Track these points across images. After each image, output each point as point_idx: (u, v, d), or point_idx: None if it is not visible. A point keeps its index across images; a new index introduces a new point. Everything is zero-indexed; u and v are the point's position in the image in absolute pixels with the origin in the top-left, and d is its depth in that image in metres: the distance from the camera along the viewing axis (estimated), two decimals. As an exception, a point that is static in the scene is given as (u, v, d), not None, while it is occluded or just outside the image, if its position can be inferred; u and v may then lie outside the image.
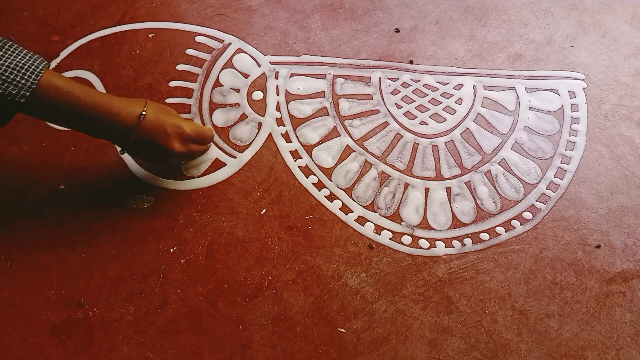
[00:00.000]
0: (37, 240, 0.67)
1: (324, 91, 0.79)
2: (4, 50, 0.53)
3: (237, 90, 0.79)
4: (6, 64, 0.52)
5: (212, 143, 0.74)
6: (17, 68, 0.53)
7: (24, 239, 0.67)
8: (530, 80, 0.81)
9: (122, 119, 0.59)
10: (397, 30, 0.80)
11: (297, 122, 0.77)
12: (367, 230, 0.69)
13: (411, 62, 0.80)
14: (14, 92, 0.52)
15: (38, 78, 0.54)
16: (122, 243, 0.67)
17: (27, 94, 0.53)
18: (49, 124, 0.74)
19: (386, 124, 0.77)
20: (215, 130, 0.76)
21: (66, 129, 0.72)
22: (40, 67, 0.54)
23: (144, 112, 0.60)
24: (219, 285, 0.65)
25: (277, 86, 0.80)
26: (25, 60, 0.54)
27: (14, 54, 0.53)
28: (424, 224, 0.70)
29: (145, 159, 0.69)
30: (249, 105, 0.78)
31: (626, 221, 0.70)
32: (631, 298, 0.65)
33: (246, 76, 0.80)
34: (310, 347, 0.61)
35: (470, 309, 0.64)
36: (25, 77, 0.53)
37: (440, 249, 0.68)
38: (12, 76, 0.52)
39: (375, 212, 0.70)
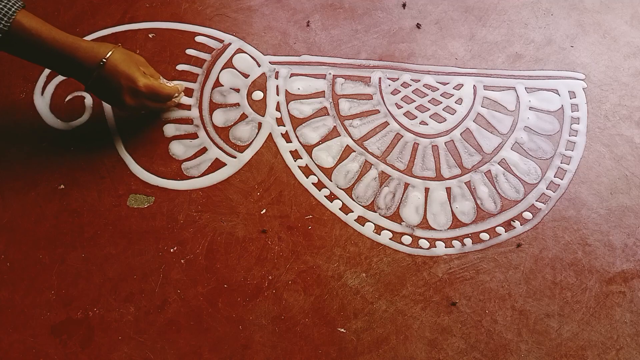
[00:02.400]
0: (37, 240, 0.67)
1: (324, 91, 0.79)
2: None
3: (237, 90, 0.79)
4: None
5: (176, 101, 0.75)
6: None
7: (24, 238, 0.67)
8: (530, 80, 0.81)
9: (86, 61, 0.63)
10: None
11: (297, 122, 0.77)
12: (367, 230, 0.69)
13: None
14: None
15: (11, 19, 0.58)
16: (122, 243, 0.67)
17: (0, 35, 0.58)
18: (50, 124, 0.75)
19: (386, 124, 0.77)
20: (216, 130, 0.76)
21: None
22: (14, 8, 0.58)
23: (104, 60, 0.63)
24: (219, 285, 0.65)
25: (277, 86, 0.80)
26: (2, 4, 0.58)
27: None
28: (424, 224, 0.70)
29: (104, 101, 0.72)
30: (249, 105, 0.78)
31: (626, 221, 0.70)
32: (631, 298, 0.65)
33: (246, 76, 0.80)
34: (310, 347, 0.61)
35: (470, 309, 0.64)
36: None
37: (440, 249, 0.68)
38: None
39: (375, 212, 0.70)
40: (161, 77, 0.73)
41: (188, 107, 0.77)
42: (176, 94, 0.74)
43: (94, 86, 0.65)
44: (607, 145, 0.76)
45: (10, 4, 0.58)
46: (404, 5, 0.82)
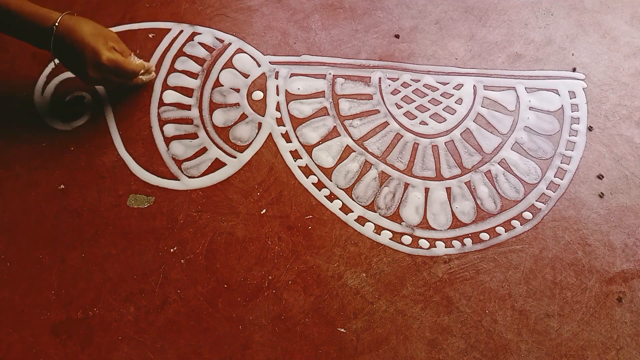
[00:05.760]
0: (37, 240, 0.67)
1: (324, 91, 0.79)
2: None
3: (237, 90, 0.79)
4: None
5: (143, 79, 0.76)
6: None
7: (24, 238, 0.67)
8: (530, 80, 0.81)
9: (42, 24, 0.63)
10: (397, 36, 0.80)
11: (297, 122, 0.77)
12: (367, 230, 0.69)
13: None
14: None
15: None
16: (122, 243, 0.67)
17: None
18: (50, 124, 0.75)
19: (386, 124, 0.77)
20: (216, 130, 0.76)
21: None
22: None
23: (56, 24, 0.63)
24: (219, 285, 0.65)
25: (277, 86, 0.80)
26: None
27: None
28: (424, 224, 0.70)
29: (70, 71, 0.71)
30: (249, 105, 0.78)
31: (626, 221, 0.70)
32: (631, 298, 0.65)
33: (246, 76, 0.80)
34: (310, 347, 0.61)
35: (470, 309, 0.64)
36: None
37: (440, 249, 0.68)
38: None
39: (375, 212, 0.70)
40: (132, 55, 0.74)
41: (188, 107, 0.77)
42: (142, 71, 0.74)
43: (57, 52, 0.65)
44: (607, 145, 0.76)
45: None
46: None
